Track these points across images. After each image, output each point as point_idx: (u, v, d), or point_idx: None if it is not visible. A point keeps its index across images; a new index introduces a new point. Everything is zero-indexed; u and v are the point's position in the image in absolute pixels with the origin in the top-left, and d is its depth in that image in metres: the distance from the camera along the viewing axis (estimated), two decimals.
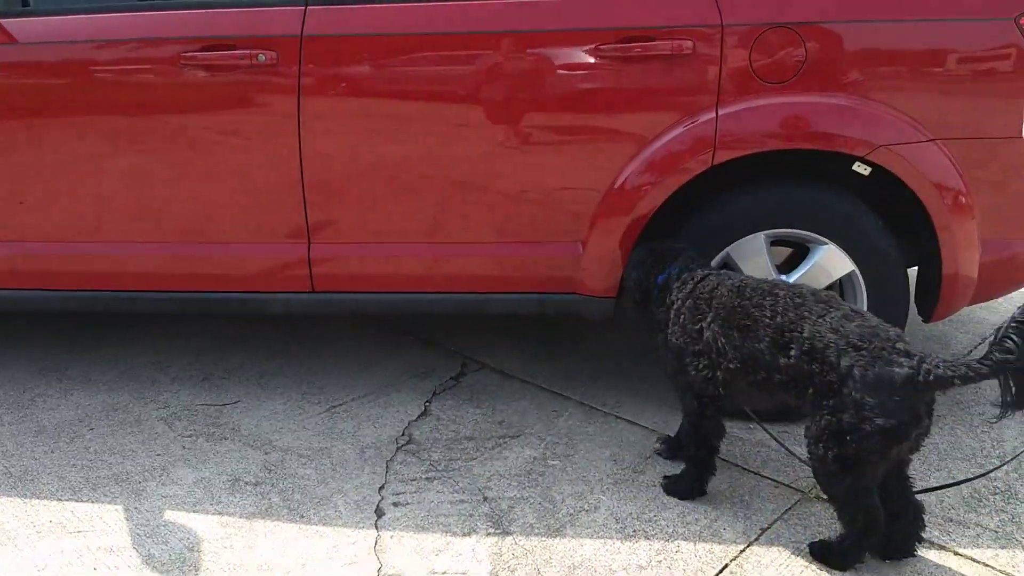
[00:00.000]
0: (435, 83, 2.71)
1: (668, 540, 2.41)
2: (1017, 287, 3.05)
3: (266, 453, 2.80)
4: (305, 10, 2.66)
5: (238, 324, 3.65)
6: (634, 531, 2.45)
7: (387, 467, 2.73)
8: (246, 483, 2.64)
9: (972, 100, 2.66)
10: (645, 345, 3.30)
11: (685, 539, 2.42)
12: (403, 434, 2.91)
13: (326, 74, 2.70)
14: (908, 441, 2.14)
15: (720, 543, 2.40)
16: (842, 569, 2.28)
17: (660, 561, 2.33)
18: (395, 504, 2.56)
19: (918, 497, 2.31)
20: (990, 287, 2.91)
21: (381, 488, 2.63)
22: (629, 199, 2.69)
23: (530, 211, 2.78)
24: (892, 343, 2.12)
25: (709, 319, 2.40)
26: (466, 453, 2.80)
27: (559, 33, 2.64)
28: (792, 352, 2.21)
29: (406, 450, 2.82)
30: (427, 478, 2.68)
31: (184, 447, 2.83)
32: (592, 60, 2.62)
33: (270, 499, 2.57)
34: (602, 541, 2.41)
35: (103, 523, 2.48)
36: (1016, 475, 2.67)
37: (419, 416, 3.02)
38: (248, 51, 2.65)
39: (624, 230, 2.73)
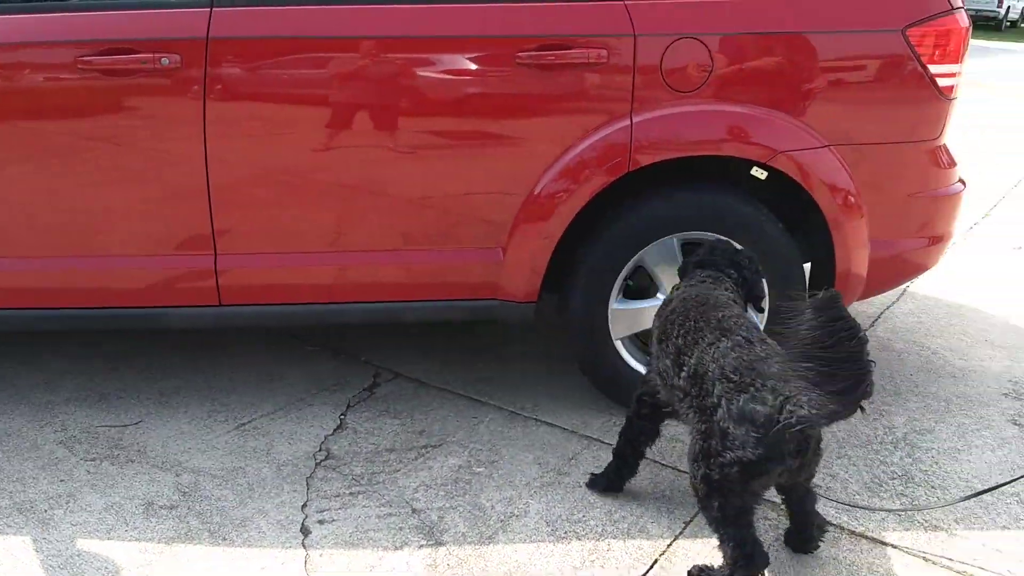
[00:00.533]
0: (347, 87, 2.67)
1: (599, 539, 2.45)
2: (900, 283, 3.27)
3: (177, 475, 2.67)
4: (211, 12, 2.57)
5: (128, 340, 3.47)
6: (565, 533, 2.47)
7: (307, 484, 2.66)
8: (160, 507, 2.51)
9: (863, 108, 2.83)
10: (562, 348, 3.37)
11: (615, 537, 2.46)
12: (320, 449, 2.84)
13: (233, 77, 2.61)
14: (766, 476, 2.10)
15: (648, 539, 2.46)
16: None
17: (593, 560, 2.37)
18: (321, 522, 2.49)
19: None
20: (877, 283, 3.10)
21: (304, 506, 2.55)
22: (549, 205, 2.72)
23: (449, 218, 2.77)
24: (763, 379, 2.05)
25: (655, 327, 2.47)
26: (389, 465, 2.76)
27: (476, 40, 2.65)
28: (683, 373, 2.26)
29: (325, 466, 2.75)
30: (351, 493, 2.62)
31: (89, 472, 2.66)
32: (509, 67, 2.64)
33: (188, 522, 2.45)
34: (535, 545, 2.42)
35: (11, 556, 2.30)
36: (910, 460, 2.85)
37: (335, 430, 2.95)
38: (151, 55, 2.53)
39: (544, 236, 2.76)
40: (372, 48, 2.66)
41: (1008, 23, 27.77)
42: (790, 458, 2.08)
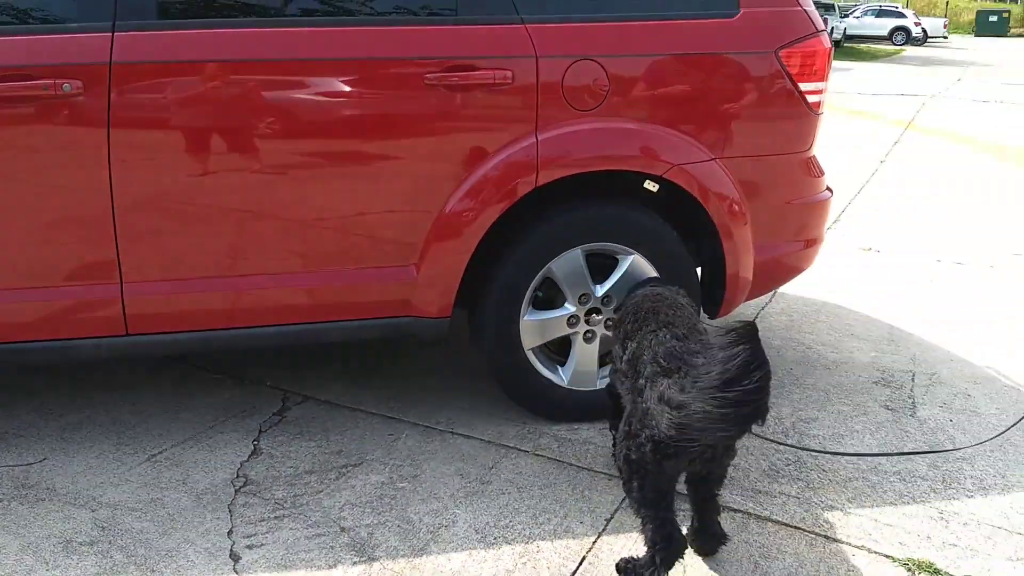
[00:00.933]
0: (257, 111, 2.66)
1: (527, 542, 2.53)
2: (781, 284, 3.52)
3: (93, 510, 2.58)
4: (112, 36, 2.52)
5: (15, 376, 3.31)
6: (495, 538, 2.54)
7: (230, 511, 2.62)
8: (80, 543, 2.43)
9: (744, 123, 3.04)
10: (471, 362, 3.44)
11: (542, 539, 2.55)
12: (238, 476, 2.80)
13: (137, 102, 2.57)
14: (676, 459, 2.19)
15: (574, 538, 2.56)
16: None
17: (525, 563, 2.45)
18: (249, 547, 2.46)
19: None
20: (760, 285, 3.33)
21: (230, 532, 2.52)
22: (460, 222, 2.80)
23: (362, 237, 2.80)
24: (688, 369, 2.12)
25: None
26: (310, 487, 2.76)
27: (385, 61, 2.70)
28: (624, 357, 2.44)
29: (246, 491, 2.72)
30: (276, 517, 2.60)
31: None
32: (418, 89, 2.71)
33: (112, 557, 2.38)
34: (467, 552, 2.48)
35: None
36: (800, 447, 3.08)
37: (250, 456, 2.92)
38: (51, 80, 2.46)
39: (457, 252, 2.84)
40: (282, 71, 2.67)
41: (832, 43, 29.85)
42: (699, 447, 2.17)
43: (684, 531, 2.31)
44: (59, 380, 3.36)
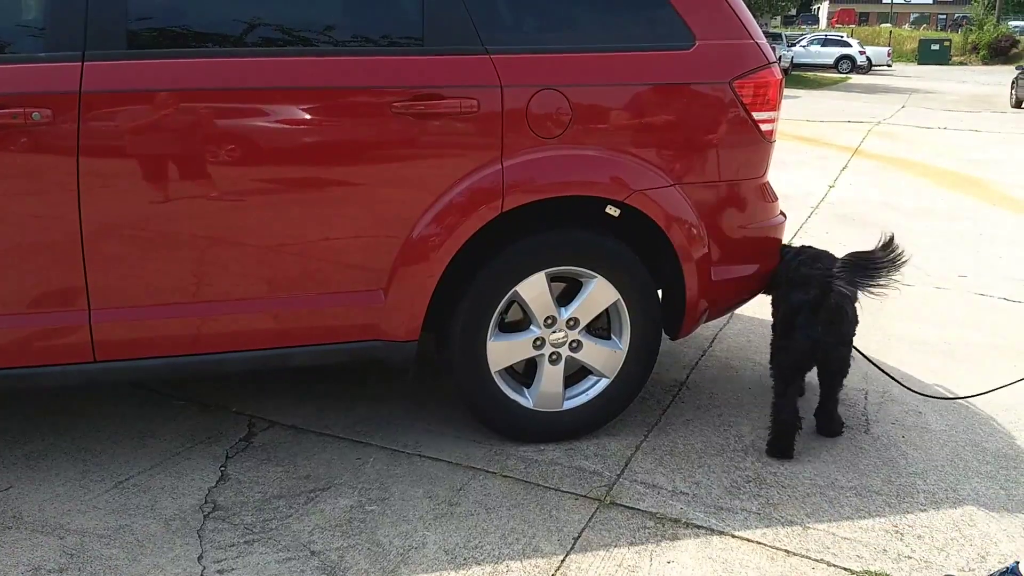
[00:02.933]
0: (228, 139, 2.68)
1: (497, 562, 2.57)
2: (739, 306, 3.62)
3: (61, 538, 2.56)
4: (82, 66, 2.54)
5: None
6: (464, 559, 2.58)
7: (199, 536, 2.62)
8: (49, 571, 2.41)
9: (701, 150, 3.14)
10: (437, 384, 3.47)
11: (511, 558, 2.59)
12: (206, 502, 2.80)
13: (107, 130, 2.58)
14: (809, 355, 3.23)
15: (543, 557, 2.60)
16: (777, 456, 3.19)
17: None
18: (220, 572, 2.47)
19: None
20: (718, 307, 3.42)
21: (200, 558, 2.52)
22: (428, 247, 2.85)
23: (330, 263, 2.83)
24: (820, 262, 3.33)
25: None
26: (279, 512, 2.77)
27: (354, 91, 2.75)
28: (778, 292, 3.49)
29: (215, 517, 2.72)
30: (246, 542, 2.61)
31: None
32: (386, 117, 2.76)
33: None
34: (437, 574, 2.51)
35: None
36: (760, 464, 3.16)
37: (218, 482, 2.92)
38: (21, 109, 2.47)
39: (424, 276, 2.88)
40: (252, 99, 2.70)
41: (782, 71, 30.56)
42: (824, 325, 3.18)
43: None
44: (22, 407, 3.33)
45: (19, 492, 2.80)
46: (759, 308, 4.77)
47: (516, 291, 3.01)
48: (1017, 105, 20.81)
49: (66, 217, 2.59)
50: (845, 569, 2.58)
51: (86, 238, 2.63)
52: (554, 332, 3.11)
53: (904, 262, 3.24)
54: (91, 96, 2.55)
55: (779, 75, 3.28)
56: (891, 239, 3.25)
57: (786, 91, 22.20)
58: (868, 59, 37.96)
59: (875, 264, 3.21)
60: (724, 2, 3.15)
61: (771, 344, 3.50)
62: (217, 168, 2.69)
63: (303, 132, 2.75)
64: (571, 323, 3.12)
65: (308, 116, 2.74)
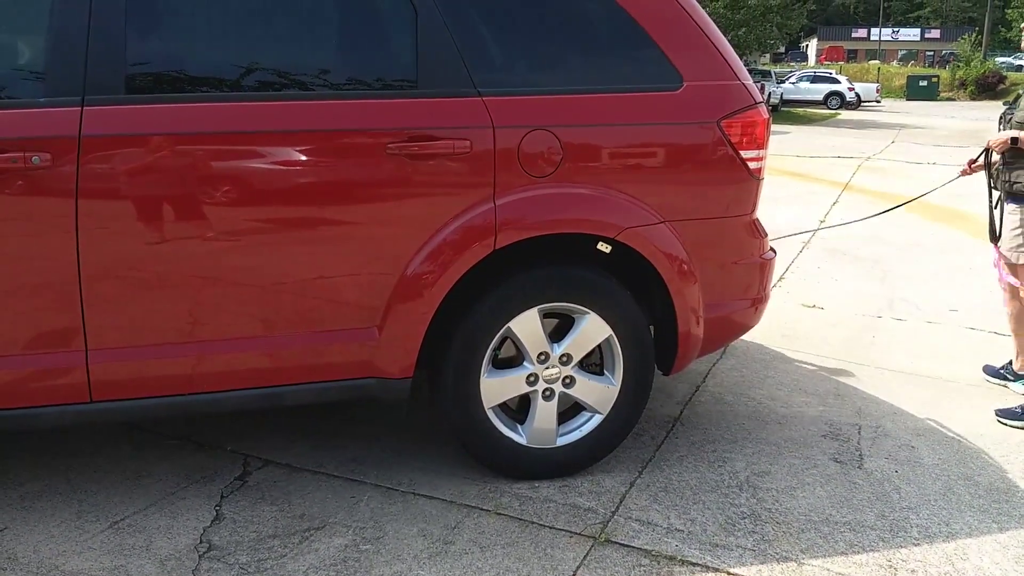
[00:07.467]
0: (226, 182, 2.71)
1: None
2: (730, 341, 3.65)
3: None
4: (82, 111, 2.59)
5: None
6: None
7: None
8: None
9: (690, 188, 3.19)
10: (431, 421, 3.48)
11: None
12: (201, 541, 2.80)
13: (105, 173, 2.62)
14: None
15: None
16: None
17: None
18: None
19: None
20: (710, 342, 3.45)
21: None
22: (422, 284, 2.88)
23: (325, 301, 2.86)
24: None
25: None
26: (274, 551, 2.77)
27: (347, 132, 2.80)
28: None
29: (210, 557, 2.72)
30: None
31: None
32: (380, 157, 2.81)
33: None
34: None
35: None
36: (755, 500, 3.17)
37: (213, 521, 2.92)
38: (21, 153, 2.51)
39: (418, 313, 2.91)
40: (250, 142, 2.74)
41: (770, 108, 30.89)
42: None
43: None
44: (17, 448, 3.33)
45: (14, 533, 2.79)
46: (752, 343, 4.84)
47: (509, 327, 3.03)
48: None
49: (64, 259, 2.62)
50: None
51: (84, 279, 2.65)
52: (547, 368, 3.13)
53: None
54: (90, 140, 2.59)
55: (766, 114, 3.34)
56: None
57: (776, 127, 22.42)
58: (857, 95, 38.34)
59: None
60: (711, 44, 3.21)
61: None
62: (214, 210, 2.72)
63: (299, 174, 2.79)
64: (564, 359, 3.14)
65: (304, 158, 2.78)
